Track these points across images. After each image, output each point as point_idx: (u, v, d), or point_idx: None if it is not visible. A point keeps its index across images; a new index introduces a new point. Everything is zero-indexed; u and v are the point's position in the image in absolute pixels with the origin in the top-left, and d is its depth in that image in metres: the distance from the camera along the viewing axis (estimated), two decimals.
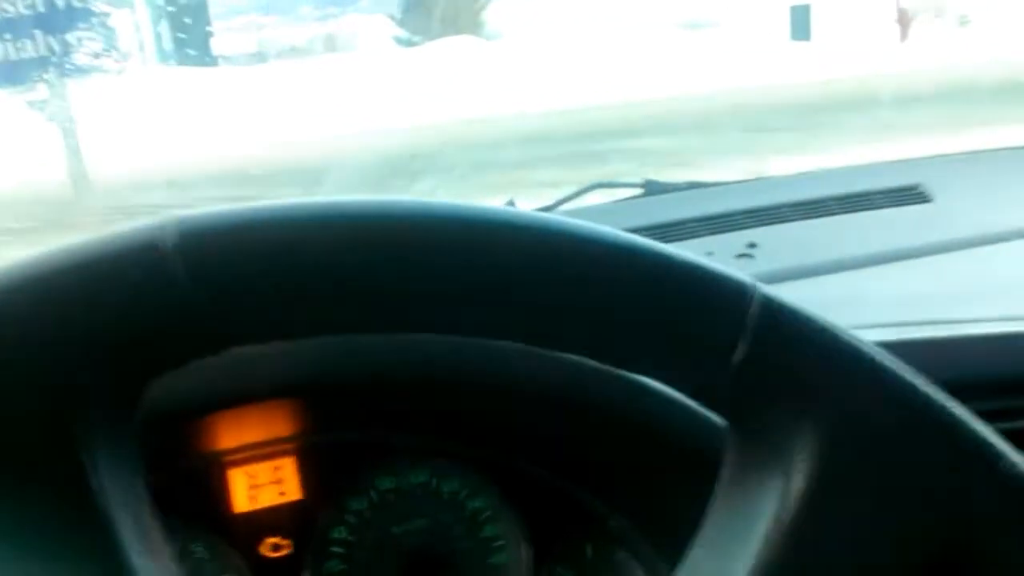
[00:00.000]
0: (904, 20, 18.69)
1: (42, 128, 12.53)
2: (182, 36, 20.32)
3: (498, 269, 0.41)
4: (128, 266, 0.36)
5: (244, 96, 14.79)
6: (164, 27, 20.96)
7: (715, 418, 0.45)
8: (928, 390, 0.46)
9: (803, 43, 19.02)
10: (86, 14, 3.90)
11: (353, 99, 15.04)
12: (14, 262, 0.37)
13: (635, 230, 1.50)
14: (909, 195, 1.39)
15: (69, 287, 0.36)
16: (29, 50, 3.84)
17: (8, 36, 3.84)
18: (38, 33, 3.90)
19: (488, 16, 22.85)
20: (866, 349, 0.46)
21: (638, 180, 1.65)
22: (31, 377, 0.36)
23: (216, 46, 22.27)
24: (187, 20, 21.18)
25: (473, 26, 20.06)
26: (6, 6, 3.81)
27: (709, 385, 0.44)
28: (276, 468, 0.69)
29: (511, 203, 1.64)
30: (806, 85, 13.49)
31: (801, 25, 22.72)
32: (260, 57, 20.36)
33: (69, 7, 3.86)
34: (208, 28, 23.00)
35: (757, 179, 1.69)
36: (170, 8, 21.23)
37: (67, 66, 3.90)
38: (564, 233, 0.42)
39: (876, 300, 1.04)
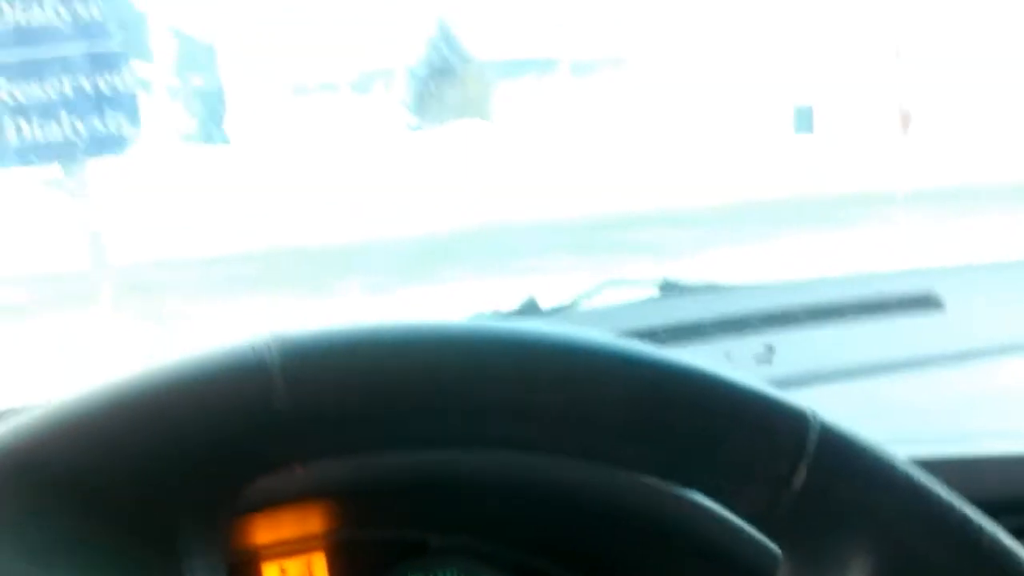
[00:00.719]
0: (906, 118, 19.03)
1: (62, 206, 12.67)
2: (199, 118, 20.71)
3: (566, 391, 0.43)
4: (234, 385, 0.39)
5: (262, 176, 14.99)
6: (183, 108, 21.39)
7: (769, 543, 0.46)
8: (981, 521, 0.47)
9: (806, 138, 19.32)
10: (112, 98, 4.00)
11: (367, 182, 15.23)
12: (123, 376, 0.40)
13: (652, 331, 1.51)
14: (923, 303, 1.41)
15: (177, 404, 0.39)
16: (55, 132, 3.92)
17: (35, 118, 3.93)
18: (64, 115, 3.98)
19: (500, 102, 23.28)
20: (920, 480, 0.47)
21: (653, 278, 1.67)
22: (138, 490, 0.39)
23: (229, 129, 22.67)
24: (207, 102, 21.63)
25: (485, 112, 20.41)
26: (34, 90, 3.90)
27: (767, 511, 0.45)
28: (308, 563, 0.71)
29: (532, 300, 1.67)
30: (812, 181, 13.65)
31: (804, 123, 23.12)
32: (276, 139, 20.69)
33: (97, 91, 3.95)
34: (226, 109, 23.43)
35: (773, 282, 1.72)
36: (190, 90, 21.69)
37: (90, 147, 3.97)
38: (627, 357, 0.44)
39: (893, 410, 1.06)
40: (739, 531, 0.47)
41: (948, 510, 0.46)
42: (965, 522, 0.46)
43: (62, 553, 0.38)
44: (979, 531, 0.46)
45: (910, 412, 1.07)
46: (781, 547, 0.46)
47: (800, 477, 0.45)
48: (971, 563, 0.46)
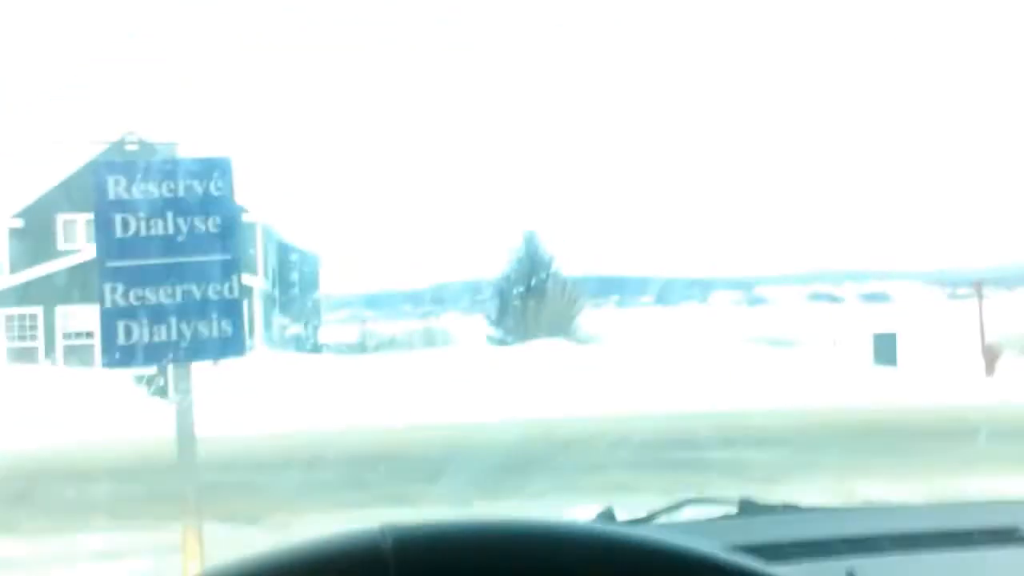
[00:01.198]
0: (991, 355, 18.70)
1: (160, 406, 13.05)
2: (293, 324, 21.43)
3: None
4: (352, 565, 0.44)
5: (348, 383, 15.31)
6: (277, 316, 22.22)
7: None
8: None
9: (888, 368, 19.04)
10: (220, 305, 4.23)
11: (454, 393, 15.41)
12: (251, 558, 0.45)
13: (733, 550, 1.52)
14: (1008, 537, 1.39)
15: None
16: (162, 335, 4.14)
17: (145, 321, 4.16)
18: (172, 319, 4.21)
19: (582, 322, 23.61)
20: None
21: (732, 497, 1.67)
22: None
23: (320, 336, 23.35)
24: (298, 312, 22.45)
25: (567, 331, 20.68)
26: (148, 295, 4.16)
27: None
28: None
29: (610, 511, 1.68)
30: (896, 412, 13.38)
31: (886, 352, 22.83)
32: (361, 347, 21.21)
33: (205, 299, 4.19)
34: (318, 320, 24.21)
35: (853, 507, 1.71)
36: (284, 301, 22.60)
37: (194, 350, 4.17)
38: (725, 566, 0.48)
39: None
40: None
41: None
42: None
43: None
44: None
45: None
46: None
47: None
48: None
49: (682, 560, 0.48)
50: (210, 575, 0.44)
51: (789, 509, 1.65)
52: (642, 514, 1.70)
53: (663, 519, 1.70)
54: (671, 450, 9.84)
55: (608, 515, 1.69)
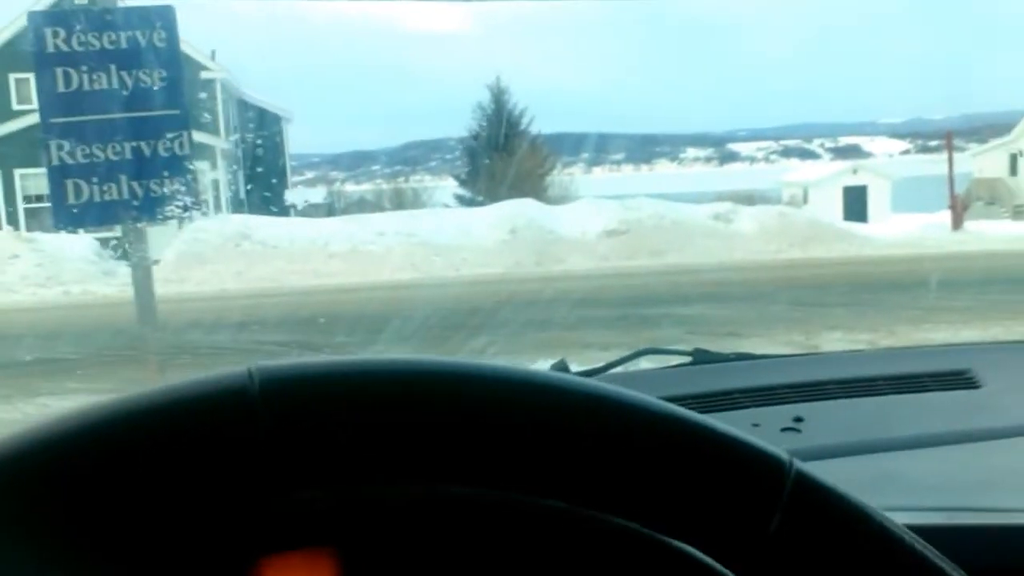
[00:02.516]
0: (959, 206, 18.84)
1: (117, 266, 12.99)
2: (258, 185, 21.19)
3: (542, 432, 0.44)
4: (215, 409, 0.40)
5: (311, 244, 15.26)
6: (240, 176, 21.93)
7: None
8: (954, 573, 0.46)
9: (857, 223, 19.22)
10: (170, 162, 4.12)
11: (418, 252, 15.41)
12: (113, 402, 0.41)
13: (682, 398, 1.50)
14: (958, 380, 1.38)
15: (161, 426, 0.40)
16: (113, 193, 4.04)
17: (95, 179, 4.05)
18: (123, 177, 4.10)
19: (551, 183, 23.50)
20: (895, 531, 0.47)
21: (687, 348, 1.67)
22: (119, 516, 0.39)
23: (287, 197, 23.15)
24: (263, 172, 22.14)
25: (536, 190, 20.61)
26: (95, 151, 4.03)
27: (743, 552, 0.45)
28: None
29: (563, 363, 1.67)
30: (857, 263, 13.56)
31: (855, 206, 23.01)
32: (329, 208, 21.08)
33: (155, 155, 4.07)
34: (282, 180, 23.96)
35: (805, 354, 1.70)
36: (248, 161, 22.25)
37: (147, 209, 4.08)
38: (613, 400, 0.45)
39: (920, 483, 1.03)
40: (715, 574, 0.47)
41: (919, 563, 0.46)
42: (937, 574, 0.46)
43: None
44: None
45: (939, 487, 1.04)
46: None
47: (776, 520, 0.45)
48: None
49: (577, 393, 0.43)
50: (68, 421, 0.39)
51: (742, 357, 1.66)
52: (597, 365, 1.69)
53: (618, 370, 1.70)
54: (632, 307, 9.95)
55: (561, 368, 1.67)
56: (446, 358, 0.47)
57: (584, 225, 16.12)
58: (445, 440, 0.43)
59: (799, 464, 0.46)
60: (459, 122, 25.71)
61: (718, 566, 0.46)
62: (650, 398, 0.47)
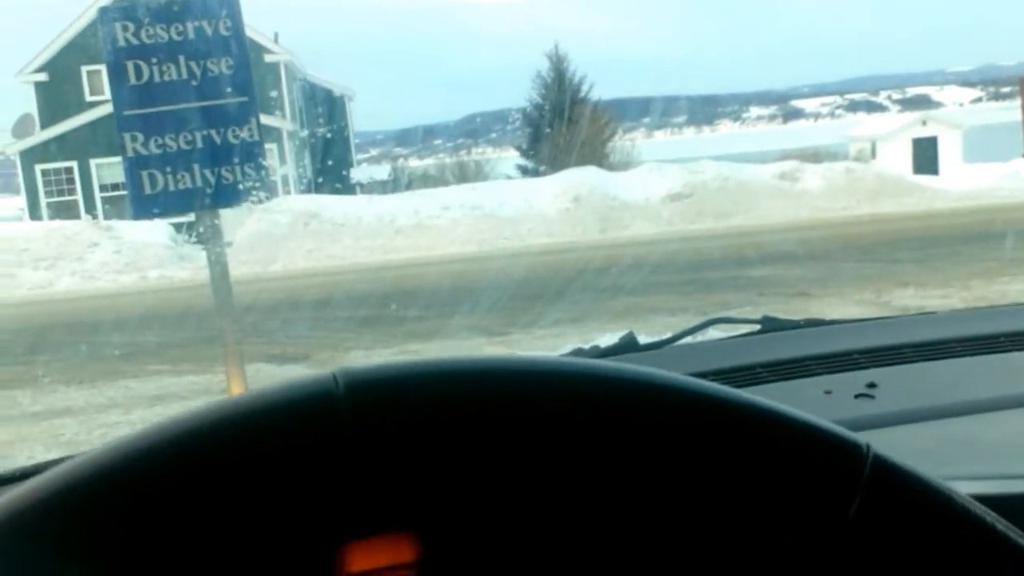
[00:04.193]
0: None
1: (193, 250, 13.22)
2: (324, 164, 21.38)
3: (626, 428, 0.45)
4: (305, 412, 0.43)
5: (378, 221, 15.38)
6: (306, 157, 22.15)
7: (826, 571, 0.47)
8: None
9: (928, 176, 18.69)
10: (241, 149, 4.20)
11: (483, 225, 15.44)
12: (201, 409, 0.44)
13: (753, 367, 1.49)
14: None
15: (250, 430, 0.43)
16: (187, 182, 4.14)
17: (169, 169, 4.15)
18: (196, 166, 4.19)
19: (612, 149, 23.30)
20: (976, 511, 0.47)
21: (756, 316, 1.65)
22: (212, 508, 0.42)
23: (353, 175, 23.34)
24: (329, 151, 22.32)
25: (597, 158, 20.45)
26: (168, 142, 4.13)
27: (824, 539, 0.46)
28: None
29: (631, 336, 1.67)
30: (928, 217, 13.22)
31: (926, 158, 22.35)
32: (394, 185, 21.19)
33: (226, 143, 4.16)
34: (347, 158, 24.15)
35: (877, 318, 1.68)
36: (314, 141, 22.45)
37: (220, 196, 4.18)
38: (693, 393, 0.46)
39: (996, 448, 1.02)
40: (798, 558, 0.48)
41: (1004, 544, 0.46)
42: (1022, 557, 0.46)
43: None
44: None
45: (1017, 451, 1.03)
46: (838, 574, 0.47)
47: (854, 508, 0.46)
48: None
49: (658, 390, 0.45)
50: (157, 429, 0.43)
51: (811, 324, 1.63)
52: (665, 337, 1.68)
53: (687, 340, 1.69)
54: (699, 271, 9.86)
55: (629, 340, 1.67)
56: (522, 356, 0.49)
57: (647, 190, 15.97)
58: (525, 437, 0.45)
59: (876, 449, 0.47)
60: (519, 92, 25.59)
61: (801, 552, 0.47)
62: (729, 390, 0.48)
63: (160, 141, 4.08)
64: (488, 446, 0.45)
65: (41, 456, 4.74)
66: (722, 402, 0.47)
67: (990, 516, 0.47)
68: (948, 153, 22.85)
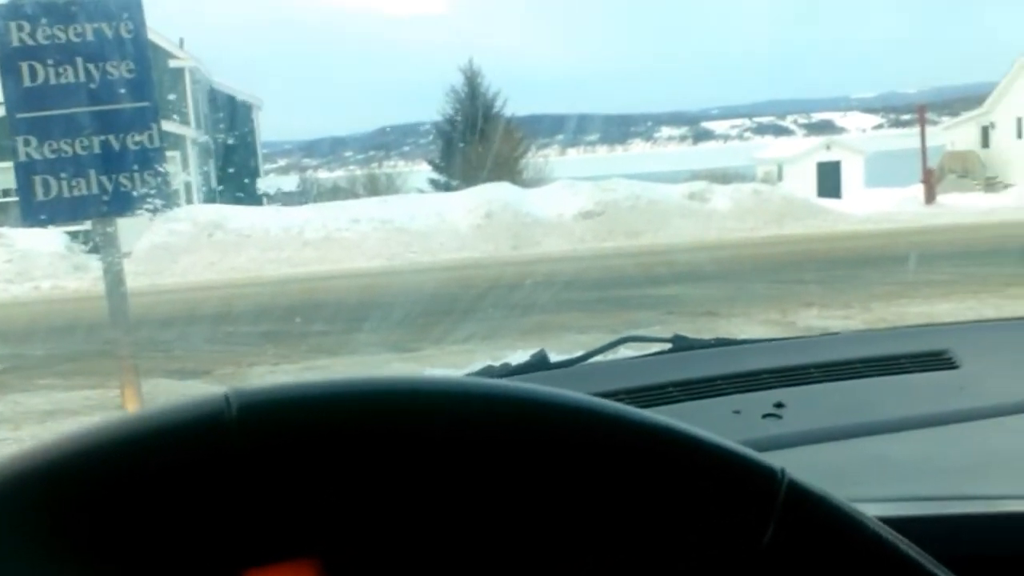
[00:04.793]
0: (930, 181, 18.93)
1: (88, 260, 12.86)
2: (230, 174, 21.02)
3: (528, 448, 0.43)
4: (195, 435, 0.41)
5: (285, 233, 15.17)
6: (211, 166, 21.73)
7: None
8: None
9: (831, 199, 19.29)
10: (140, 156, 4.07)
11: (393, 239, 15.35)
12: (83, 429, 0.41)
13: (664, 386, 1.48)
14: (937, 361, 1.38)
15: (140, 450, 0.41)
16: (82, 188, 3.98)
17: (64, 175, 4.00)
18: (92, 172, 4.05)
19: (526, 166, 23.45)
20: (889, 540, 0.46)
21: (667, 335, 1.66)
22: (97, 538, 0.40)
23: (260, 186, 22.99)
24: (235, 161, 21.97)
25: (511, 174, 20.56)
26: (63, 146, 3.98)
27: (738, 565, 0.45)
28: None
29: (543, 354, 1.65)
30: (831, 239, 13.63)
31: (830, 182, 23.09)
32: (302, 197, 20.95)
33: (124, 149, 4.02)
34: (254, 169, 23.80)
35: (784, 338, 1.69)
36: (219, 150, 22.06)
37: (117, 204, 4.04)
38: (601, 414, 0.44)
39: (903, 468, 1.03)
40: None
41: (916, 571, 0.46)
42: None
43: None
44: None
45: (922, 472, 1.04)
46: None
47: (770, 532, 0.45)
48: None
49: (548, 408, 0.45)
50: (33, 451, 0.41)
51: (721, 343, 1.64)
52: (576, 355, 1.68)
53: (598, 359, 1.68)
54: (610, 288, 9.96)
55: (541, 358, 1.66)
56: (418, 376, 0.47)
57: (560, 207, 16.12)
58: (423, 458, 0.43)
59: (791, 474, 0.46)
60: (432, 106, 25.65)
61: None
62: (639, 412, 0.47)
63: (55, 146, 3.92)
64: (387, 468, 0.43)
65: None
66: (635, 424, 0.45)
67: (903, 543, 0.47)
68: (851, 177, 23.69)
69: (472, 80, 25.20)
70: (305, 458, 0.42)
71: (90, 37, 4.05)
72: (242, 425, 0.41)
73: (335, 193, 21.11)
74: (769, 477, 0.46)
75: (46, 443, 0.41)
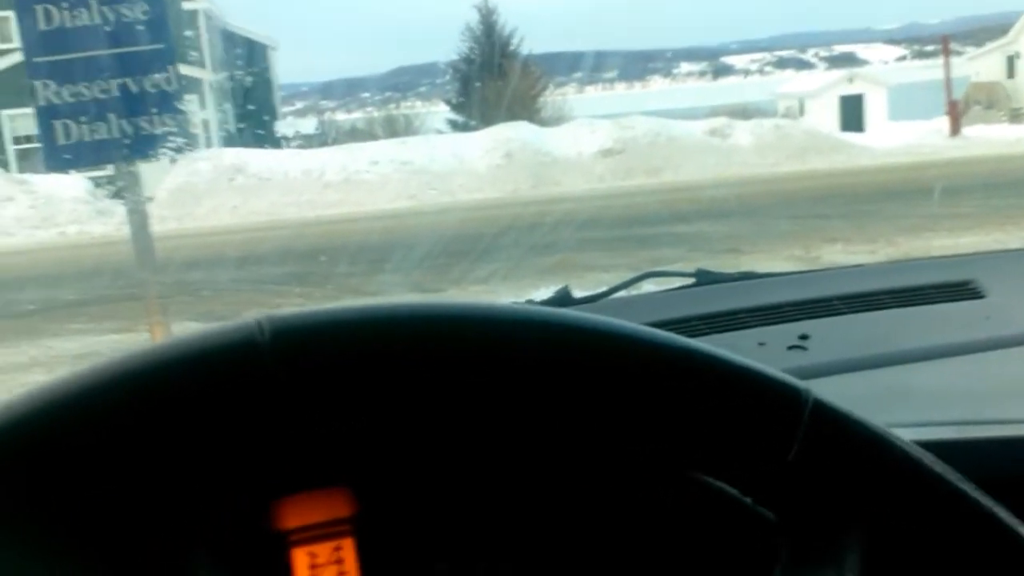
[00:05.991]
0: (956, 112, 18.61)
1: (112, 205, 12.91)
2: (248, 117, 20.96)
3: (555, 368, 0.44)
4: (228, 361, 0.41)
5: (305, 176, 15.15)
6: (230, 109, 21.67)
7: (766, 514, 0.47)
8: (974, 495, 0.47)
9: (854, 133, 19.03)
10: (159, 98, 4.06)
11: (413, 180, 15.31)
12: (118, 356, 0.42)
13: (687, 320, 1.49)
14: (962, 291, 1.37)
15: (174, 376, 0.41)
16: (102, 132, 3.99)
17: (84, 119, 4.00)
18: (112, 116, 4.05)
19: (544, 104, 23.23)
20: (914, 454, 0.47)
21: (690, 269, 1.65)
22: (135, 463, 0.40)
23: (278, 128, 22.93)
24: (253, 104, 21.89)
25: (528, 113, 20.39)
26: (82, 90, 3.97)
27: (763, 483, 0.46)
28: (337, 548, 0.71)
29: (566, 290, 1.66)
30: (855, 174, 13.48)
31: (852, 116, 22.76)
32: (321, 139, 20.90)
33: (143, 92, 4.01)
34: (272, 111, 23.71)
35: (808, 271, 1.69)
36: (237, 93, 21.96)
37: (138, 147, 4.04)
38: (630, 337, 0.45)
39: (928, 396, 1.03)
40: (736, 502, 0.48)
41: (941, 486, 0.47)
42: (959, 498, 0.47)
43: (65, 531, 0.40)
44: (974, 506, 0.47)
45: (947, 400, 1.04)
46: (777, 517, 0.47)
47: (795, 450, 0.45)
48: (963, 536, 0.47)
49: (591, 335, 0.45)
50: (68, 380, 0.41)
51: (745, 277, 1.64)
52: (600, 290, 1.68)
53: (621, 294, 1.68)
54: (631, 226, 9.91)
55: (564, 294, 1.66)
56: (448, 300, 0.48)
57: (579, 146, 15.99)
58: (454, 380, 0.43)
59: (816, 393, 0.46)
60: (449, 45, 25.35)
61: (739, 496, 0.46)
62: (669, 335, 0.47)
63: (73, 89, 3.91)
64: (420, 394, 0.43)
65: None
66: (664, 347, 0.46)
67: (928, 458, 0.47)
68: (874, 111, 23.32)
69: (487, 18, 24.89)
70: (339, 383, 0.42)
71: None
72: (275, 350, 0.41)
73: (353, 135, 21.01)
74: (793, 395, 0.46)
75: (81, 372, 0.42)
